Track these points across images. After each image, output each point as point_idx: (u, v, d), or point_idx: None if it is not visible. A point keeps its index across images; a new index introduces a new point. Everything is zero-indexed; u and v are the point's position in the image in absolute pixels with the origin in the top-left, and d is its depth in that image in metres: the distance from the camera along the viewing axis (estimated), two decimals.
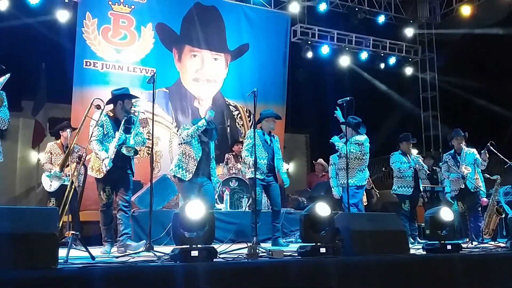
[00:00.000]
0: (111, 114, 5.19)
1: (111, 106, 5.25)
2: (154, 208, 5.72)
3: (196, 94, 9.77)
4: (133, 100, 5.29)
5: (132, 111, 5.26)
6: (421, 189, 7.27)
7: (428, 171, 7.27)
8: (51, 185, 6.59)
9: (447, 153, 7.21)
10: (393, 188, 7.14)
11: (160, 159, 9.05)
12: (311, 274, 3.50)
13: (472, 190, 6.82)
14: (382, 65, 12.23)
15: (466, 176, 6.72)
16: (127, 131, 5.14)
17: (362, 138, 6.52)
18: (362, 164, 6.51)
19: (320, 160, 9.69)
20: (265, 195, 6.61)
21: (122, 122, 5.11)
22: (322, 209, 4.06)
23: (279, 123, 9.20)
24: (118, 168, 5.07)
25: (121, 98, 5.18)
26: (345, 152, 6.07)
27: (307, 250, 3.87)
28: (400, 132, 7.40)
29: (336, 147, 6.47)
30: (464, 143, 6.96)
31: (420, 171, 7.02)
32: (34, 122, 9.55)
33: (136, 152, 5.06)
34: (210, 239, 3.63)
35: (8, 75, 4.34)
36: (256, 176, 5.95)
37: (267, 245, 6.08)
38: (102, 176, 5.05)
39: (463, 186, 6.83)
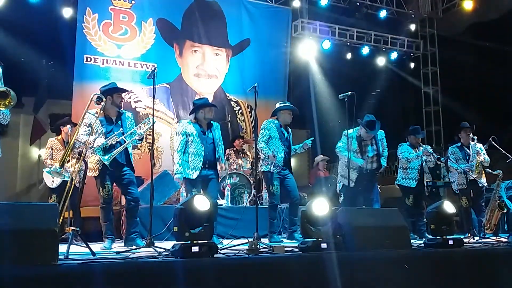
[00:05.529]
0: (100, 112, 5.00)
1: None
2: (155, 204, 5.72)
3: (198, 90, 9.74)
4: (143, 113, 5.32)
5: (139, 126, 5.25)
6: (425, 184, 7.19)
7: (438, 156, 7.08)
8: (53, 181, 6.59)
9: (453, 146, 7.09)
10: (397, 179, 7.01)
11: (161, 155, 9.04)
12: (311, 270, 3.50)
13: (480, 185, 6.79)
14: (384, 60, 12.18)
15: (469, 171, 6.68)
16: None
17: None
18: None
19: (321, 157, 9.68)
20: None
21: (114, 119, 5.08)
22: (321, 205, 4.06)
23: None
24: (115, 164, 5.05)
25: (109, 93, 5.04)
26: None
27: (308, 246, 3.87)
28: (402, 128, 7.35)
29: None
30: (471, 135, 6.90)
31: (428, 162, 6.86)
32: (33, 119, 9.53)
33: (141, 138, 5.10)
34: (211, 234, 3.63)
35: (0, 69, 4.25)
36: (272, 169, 5.94)
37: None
38: (98, 173, 5.03)
39: (472, 177, 6.68)
